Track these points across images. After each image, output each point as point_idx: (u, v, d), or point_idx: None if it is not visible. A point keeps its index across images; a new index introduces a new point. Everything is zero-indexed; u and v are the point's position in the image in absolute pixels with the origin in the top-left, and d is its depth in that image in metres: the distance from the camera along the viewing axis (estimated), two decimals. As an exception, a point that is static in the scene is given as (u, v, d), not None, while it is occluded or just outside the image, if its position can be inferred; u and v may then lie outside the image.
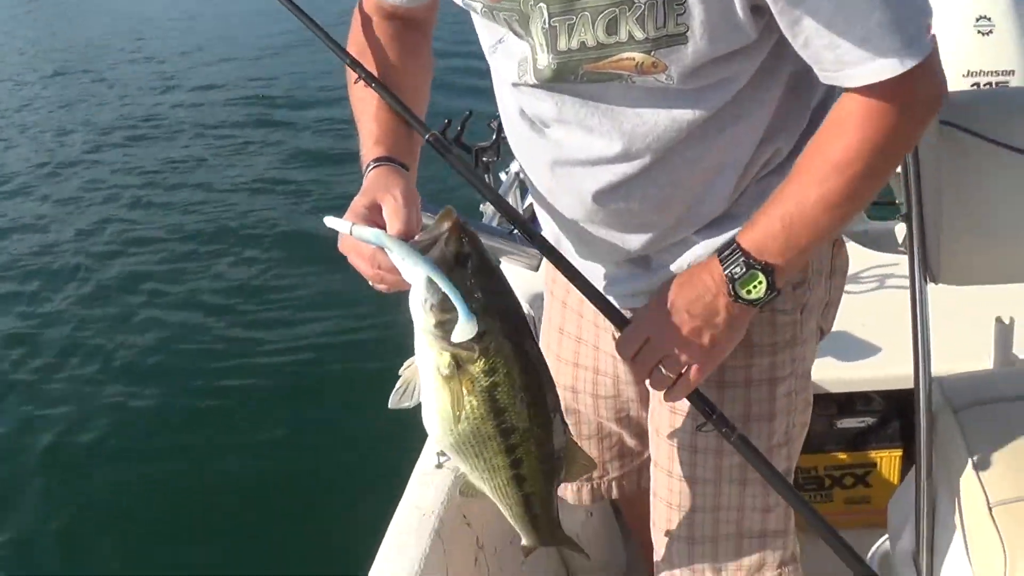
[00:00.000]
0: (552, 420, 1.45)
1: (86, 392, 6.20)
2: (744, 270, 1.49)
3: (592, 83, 1.55)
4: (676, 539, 1.95)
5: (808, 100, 1.69)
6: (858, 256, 3.65)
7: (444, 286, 1.26)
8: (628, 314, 1.77)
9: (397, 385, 1.41)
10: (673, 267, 1.74)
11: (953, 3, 4.23)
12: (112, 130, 11.90)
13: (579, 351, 2.13)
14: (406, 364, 1.42)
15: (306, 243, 7.65)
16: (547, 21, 1.48)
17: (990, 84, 4.13)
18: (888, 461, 3.13)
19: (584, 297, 1.62)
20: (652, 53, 1.45)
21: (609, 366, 2.09)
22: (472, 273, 1.32)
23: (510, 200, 3.15)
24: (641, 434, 2.16)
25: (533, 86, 1.62)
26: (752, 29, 1.44)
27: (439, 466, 2.36)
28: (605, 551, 2.94)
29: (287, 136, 11.10)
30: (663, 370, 1.55)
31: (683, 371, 1.54)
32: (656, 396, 1.88)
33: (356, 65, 1.71)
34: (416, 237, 1.37)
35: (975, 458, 1.93)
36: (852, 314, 3.22)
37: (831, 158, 1.47)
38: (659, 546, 2.02)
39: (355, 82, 1.72)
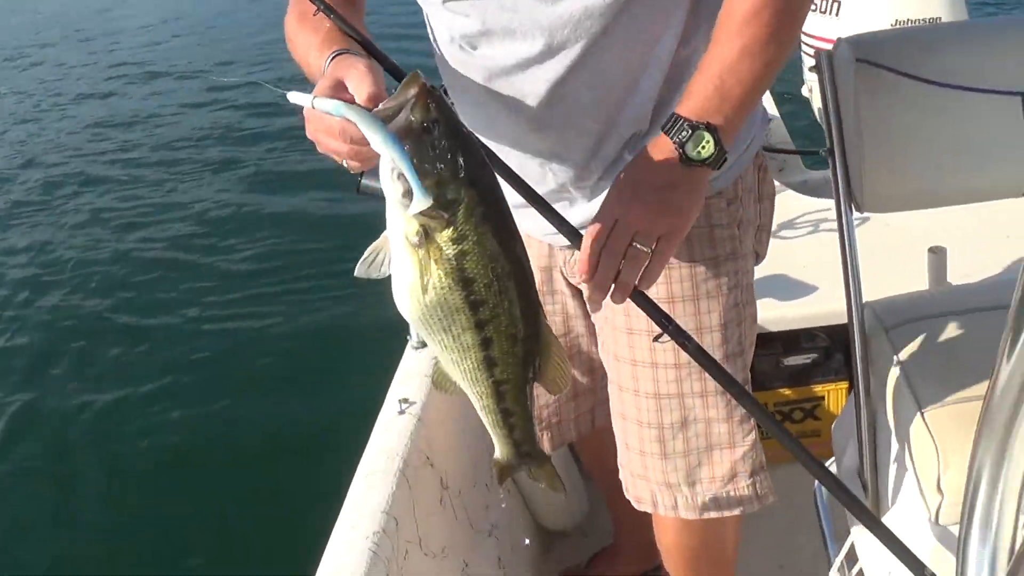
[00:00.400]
0: (526, 299, 1.40)
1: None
2: (690, 132, 1.52)
3: None
4: (649, 456, 2.06)
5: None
6: (796, 204, 3.82)
7: (396, 156, 1.24)
8: (566, 251, 1.91)
9: (365, 254, 1.38)
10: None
11: (878, -51, 4.36)
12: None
13: None
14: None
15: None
16: None
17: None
18: (834, 393, 3.27)
19: (528, 234, 1.75)
20: None
21: (558, 303, 2.20)
22: (439, 140, 1.28)
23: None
24: (592, 370, 2.26)
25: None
26: None
27: (416, 347, 2.48)
28: (569, 497, 3.05)
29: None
30: (638, 246, 1.50)
31: (655, 246, 1.52)
32: (609, 323, 2.01)
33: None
34: (381, 105, 1.33)
35: (907, 371, 2.05)
36: (791, 257, 3.38)
37: (742, 11, 1.57)
38: (633, 465, 2.12)
39: (312, 14, 1.67)
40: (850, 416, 2.27)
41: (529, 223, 1.79)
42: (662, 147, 1.55)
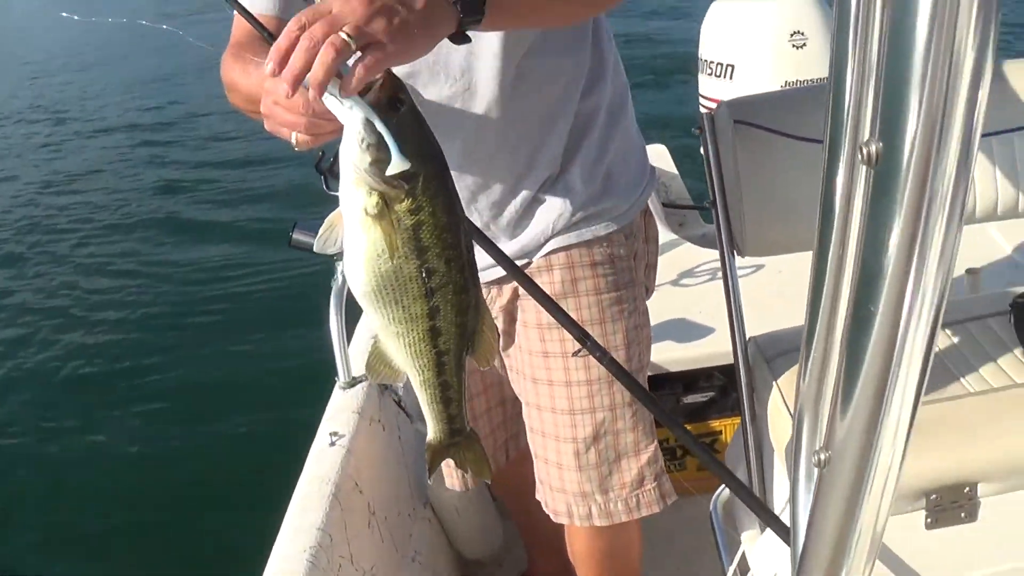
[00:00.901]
0: (470, 270, 1.46)
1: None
2: None
3: None
4: (566, 469, 2.26)
5: (608, 57, 2.11)
6: (695, 255, 4.09)
7: (379, 126, 1.29)
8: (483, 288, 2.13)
9: (321, 229, 1.42)
10: (524, 235, 2.11)
11: (770, 20, 4.77)
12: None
13: None
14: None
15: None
16: None
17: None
18: (731, 428, 3.48)
19: None
20: None
21: None
22: (404, 117, 1.35)
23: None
24: (504, 403, 2.47)
25: None
26: None
27: (344, 387, 2.69)
28: (485, 528, 3.25)
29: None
30: (342, 35, 1.29)
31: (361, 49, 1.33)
32: (524, 350, 2.22)
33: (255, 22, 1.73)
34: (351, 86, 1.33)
35: (784, 396, 2.29)
36: (689, 304, 3.63)
37: None
38: (551, 479, 2.31)
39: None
40: (740, 440, 2.51)
41: None
42: None
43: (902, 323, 0.74)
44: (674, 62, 11.85)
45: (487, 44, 1.89)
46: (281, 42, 1.29)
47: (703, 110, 4.98)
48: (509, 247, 2.10)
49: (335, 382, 2.76)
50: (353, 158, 1.33)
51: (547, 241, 2.12)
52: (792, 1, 4.84)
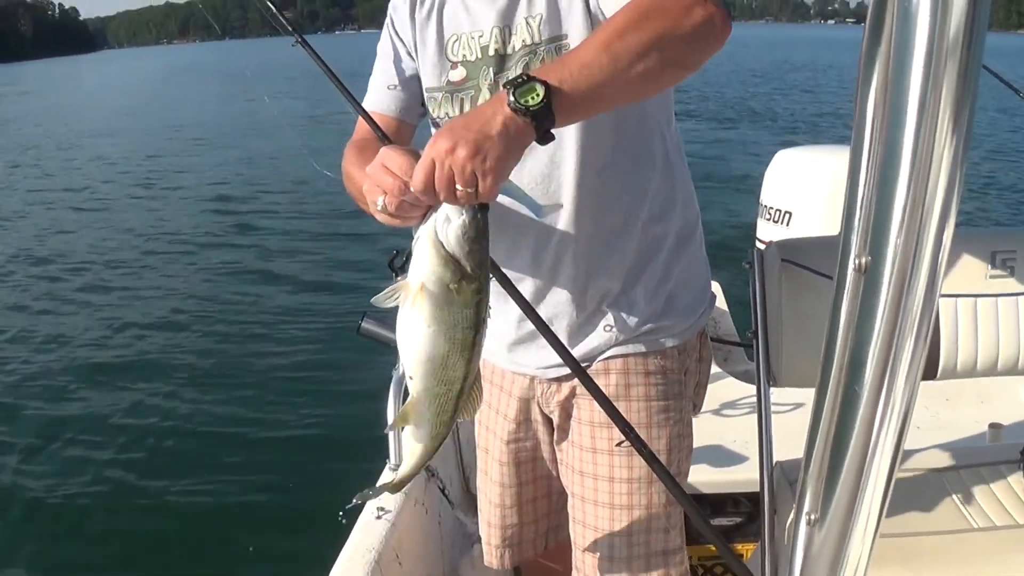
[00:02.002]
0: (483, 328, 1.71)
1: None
2: (524, 81, 1.61)
3: None
4: (601, 559, 2.40)
5: (680, 187, 2.32)
6: (737, 389, 4.26)
7: (511, 190, 1.67)
8: (544, 384, 2.37)
9: (387, 290, 1.64)
10: (585, 344, 2.30)
11: (829, 171, 5.03)
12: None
13: (498, 422, 2.56)
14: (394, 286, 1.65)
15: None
16: (491, 78, 2.13)
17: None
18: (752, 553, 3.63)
19: (516, 370, 2.35)
20: None
21: (532, 431, 2.54)
22: (486, 216, 1.61)
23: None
24: (551, 494, 2.62)
25: None
26: None
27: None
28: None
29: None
30: (459, 187, 1.57)
31: (475, 183, 1.57)
32: (575, 444, 2.39)
33: (364, 113, 2.23)
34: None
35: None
36: (727, 432, 3.80)
37: (610, 22, 1.76)
38: (586, 568, 2.45)
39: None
40: (758, 555, 2.65)
41: (520, 356, 2.34)
42: (497, 95, 1.64)
43: (882, 400, 0.93)
44: (737, 209, 12.10)
45: (567, 154, 2.12)
46: (417, 182, 1.58)
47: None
48: (575, 351, 2.27)
49: (386, 462, 2.94)
50: (454, 244, 1.59)
51: (606, 350, 2.30)
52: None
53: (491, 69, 2.14)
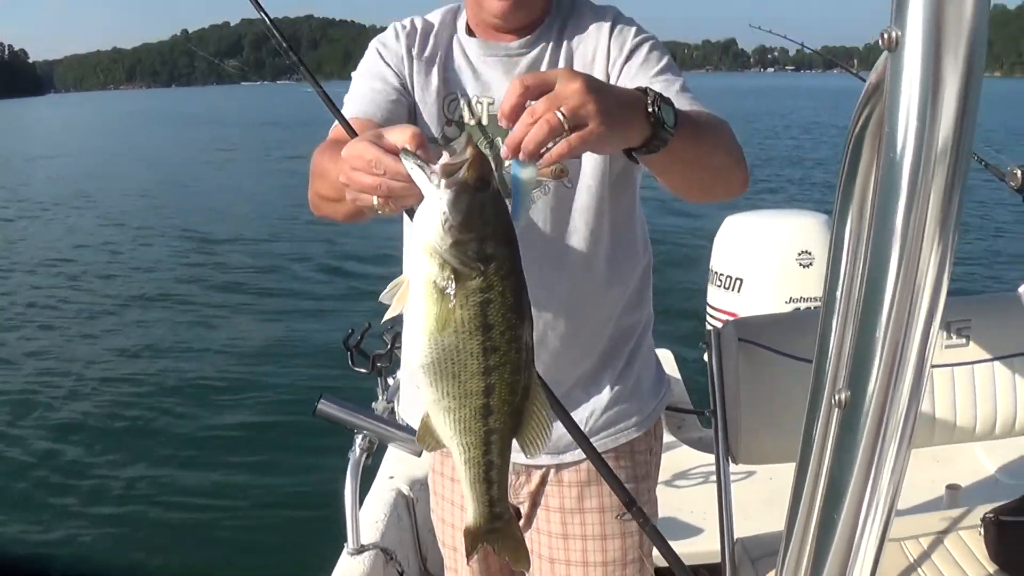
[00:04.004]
0: (528, 354, 1.45)
1: None
2: (665, 99, 1.59)
3: None
4: None
5: (649, 283, 2.36)
6: (690, 458, 4.30)
7: (515, 170, 1.42)
8: (513, 475, 2.35)
9: (389, 286, 1.43)
10: (558, 427, 2.28)
11: (780, 238, 5.05)
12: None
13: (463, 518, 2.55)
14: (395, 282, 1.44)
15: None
16: (500, 145, 2.10)
17: (809, 308, 4.84)
18: (712, 627, 3.64)
19: None
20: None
21: None
22: (488, 200, 1.36)
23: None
24: None
25: None
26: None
27: (352, 553, 2.82)
28: None
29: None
30: (559, 115, 1.40)
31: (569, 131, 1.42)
32: (543, 532, 2.40)
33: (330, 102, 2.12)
34: (441, 161, 1.36)
35: None
36: (681, 504, 3.82)
37: (718, 123, 1.88)
38: None
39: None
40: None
41: None
42: (637, 94, 1.59)
43: (859, 529, 0.96)
44: (686, 270, 12.21)
45: (572, 237, 2.15)
46: (506, 102, 1.41)
47: (709, 320, 5.23)
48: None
49: (343, 547, 2.92)
50: (432, 236, 1.35)
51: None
52: (802, 221, 5.14)
53: (499, 139, 2.13)
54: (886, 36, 0.77)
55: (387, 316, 1.43)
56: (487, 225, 1.36)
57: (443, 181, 1.33)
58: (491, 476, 1.54)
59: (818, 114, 56.48)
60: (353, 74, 2.25)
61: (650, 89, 1.59)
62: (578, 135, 1.40)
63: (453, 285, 1.35)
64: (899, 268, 0.82)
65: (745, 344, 2.68)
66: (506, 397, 1.45)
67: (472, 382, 1.43)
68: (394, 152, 1.38)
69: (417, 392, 1.72)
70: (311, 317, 11.43)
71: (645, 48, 2.10)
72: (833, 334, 1.00)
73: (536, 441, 1.50)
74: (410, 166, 1.35)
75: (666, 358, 5.22)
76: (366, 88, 2.18)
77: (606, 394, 2.31)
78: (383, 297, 1.42)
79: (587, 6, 2.23)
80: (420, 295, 1.38)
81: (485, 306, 1.37)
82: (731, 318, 4.88)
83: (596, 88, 1.42)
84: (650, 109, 1.55)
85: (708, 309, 5.32)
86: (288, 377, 9.30)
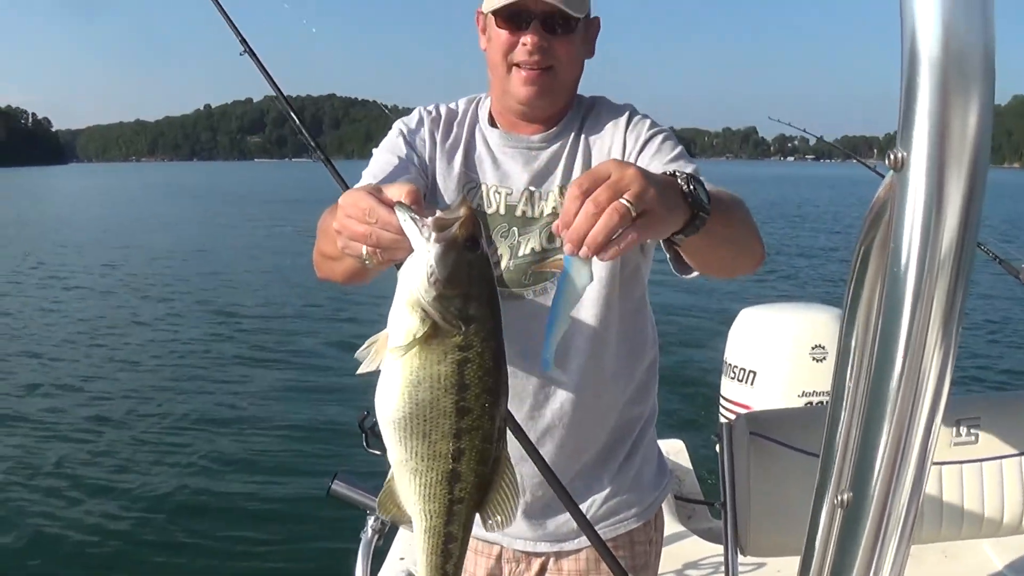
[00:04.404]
0: (500, 423, 1.42)
1: None
2: (696, 180, 1.59)
3: (536, 284, 2.17)
4: None
5: (655, 375, 2.40)
6: (700, 548, 4.29)
7: (565, 310, 1.40)
8: (512, 563, 2.37)
9: (365, 343, 1.40)
10: (559, 518, 2.31)
11: (794, 331, 5.04)
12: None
13: None
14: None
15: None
16: (516, 238, 2.18)
17: (822, 403, 4.82)
18: None
19: (487, 539, 2.33)
20: None
21: None
22: (476, 259, 1.35)
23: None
24: None
25: None
26: (638, 249, 2.20)
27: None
28: None
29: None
30: (624, 202, 1.36)
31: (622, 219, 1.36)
32: None
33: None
34: (431, 219, 1.35)
35: None
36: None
37: (738, 200, 1.88)
38: None
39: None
40: None
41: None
42: (669, 179, 1.59)
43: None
44: (700, 364, 12.16)
45: (578, 335, 2.19)
46: (569, 206, 1.36)
47: (722, 412, 5.24)
48: (548, 526, 2.33)
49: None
50: (418, 287, 1.34)
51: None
52: (816, 315, 5.14)
53: (516, 229, 2.19)
54: (892, 157, 0.81)
55: (362, 370, 1.40)
56: (472, 285, 1.35)
57: (434, 234, 1.33)
58: (450, 549, 1.48)
59: (834, 204, 56.59)
60: (374, 150, 2.31)
61: (679, 172, 1.61)
62: (644, 221, 1.38)
63: (433, 339, 1.34)
64: (902, 373, 0.86)
65: (756, 438, 2.72)
66: (475, 465, 1.41)
67: (442, 443, 1.39)
68: (389, 205, 1.40)
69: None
70: (329, 393, 11.37)
71: (659, 139, 2.15)
72: (838, 435, 1.05)
73: (500, 516, 1.46)
74: (403, 218, 1.36)
75: (677, 448, 5.23)
76: (384, 161, 2.23)
77: (607, 485, 2.33)
78: (359, 354, 1.40)
79: (605, 104, 2.30)
80: (398, 348, 1.36)
81: (462, 365, 1.35)
82: (744, 409, 4.90)
83: (648, 174, 1.42)
84: (685, 189, 1.56)
85: (721, 401, 5.31)
86: (304, 453, 9.24)
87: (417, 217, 1.35)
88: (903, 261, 0.83)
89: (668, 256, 1.97)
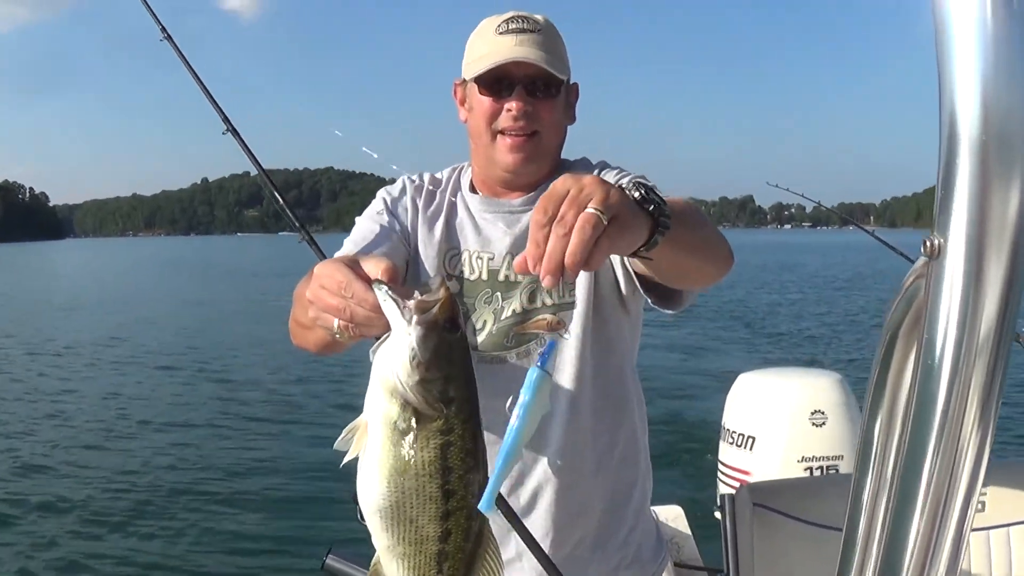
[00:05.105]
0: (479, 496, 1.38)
1: None
2: (650, 187, 1.51)
3: (519, 346, 2.15)
4: None
5: (642, 438, 2.37)
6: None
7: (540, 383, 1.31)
8: None
9: (344, 431, 1.38)
10: None
11: (793, 397, 4.99)
12: None
13: None
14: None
15: None
16: (499, 303, 2.18)
17: (821, 469, 4.79)
18: None
19: None
20: (556, 313, 2.12)
21: None
22: (456, 341, 1.34)
23: None
24: None
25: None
26: (617, 304, 2.18)
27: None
28: None
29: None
30: (593, 210, 1.28)
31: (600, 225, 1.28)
32: None
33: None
34: (412, 301, 1.32)
35: None
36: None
37: (695, 206, 1.82)
38: None
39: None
40: None
41: None
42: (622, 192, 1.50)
43: None
44: (698, 428, 12.09)
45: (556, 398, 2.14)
46: (536, 236, 1.29)
47: (721, 477, 5.17)
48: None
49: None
50: (398, 371, 1.32)
51: None
52: (816, 381, 5.11)
53: (499, 294, 2.18)
54: (929, 244, 0.78)
55: (345, 460, 1.38)
56: (453, 366, 1.34)
57: (415, 317, 1.31)
58: None
59: (829, 269, 56.88)
60: (357, 219, 2.30)
61: (628, 182, 1.53)
62: (616, 225, 1.32)
63: (415, 426, 1.33)
64: (934, 464, 0.82)
65: (760, 509, 2.66)
66: (461, 543, 1.41)
67: (429, 527, 1.38)
68: (367, 280, 1.36)
69: None
70: (323, 461, 11.27)
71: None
72: (859, 523, 0.99)
73: None
74: (383, 297, 1.33)
75: (676, 514, 5.14)
76: (366, 229, 2.23)
77: (611, 557, 2.28)
78: (338, 444, 1.38)
79: (583, 163, 2.31)
80: (379, 436, 1.34)
81: (445, 448, 1.35)
82: (743, 475, 4.85)
83: (605, 180, 1.36)
84: (635, 195, 1.48)
85: (720, 466, 5.26)
86: (298, 525, 9.12)
87: (397, 297, 1.33)
88: (937, 352, 0.79)
89: (649, 299, 2.00)
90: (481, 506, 1.32)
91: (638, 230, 1.45)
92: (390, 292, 1.33)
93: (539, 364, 1.33)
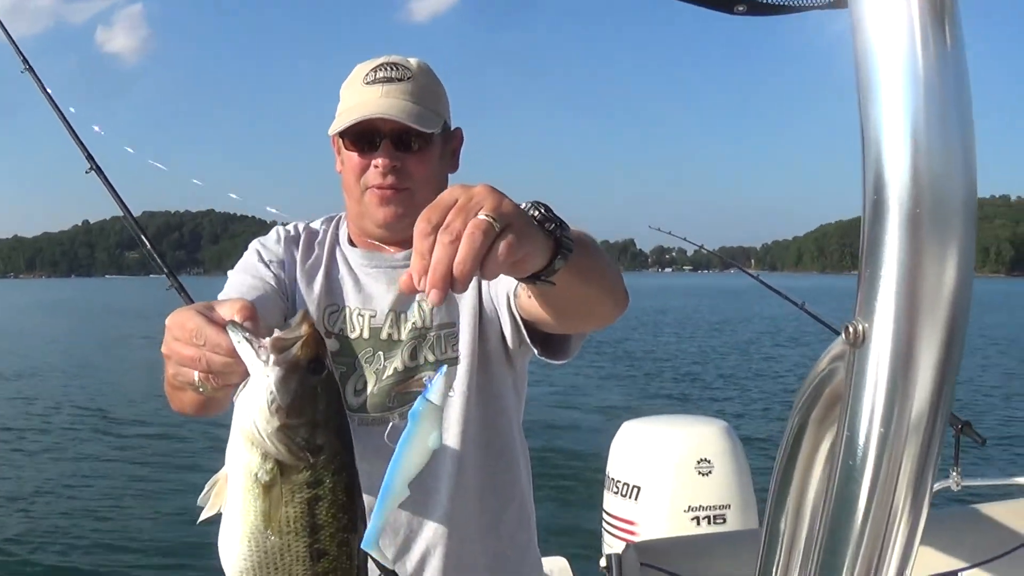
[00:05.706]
0: (361, 560, 1.30)
1: None
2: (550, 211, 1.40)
3: (401, 406, 2.04)
4: None
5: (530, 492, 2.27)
6: None
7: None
8: None
9: (206, 486, 1.26)
10: None
11: (678, 445, 4.92)
12: None
13: None
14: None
15: None
16: (382, 363, 2.07)
17: (708, 518, 4.74)
18: None
19: None
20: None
21: None
22: (323, 382, 1.24)
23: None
24: None
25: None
26: (503, 360, 2.10)
27: None
28: None
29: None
30: (484, 216, 1.17)
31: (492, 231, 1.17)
32: None
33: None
34: (268, 339, 1.22)
35: None
36: None
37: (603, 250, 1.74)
38: None
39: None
40: None
41: None
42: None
43: None
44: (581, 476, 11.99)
45: (443, 455, 2.04)
46: (420, 246, 1.16)
47: (605, 528, 5.08)
48: None
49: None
50: (257, 418, 1.21)
51: None
52: (701, 429, 5.06)
53: (381, 353, 2.08)
54: (851, 329, 0.68)
55: (202, 517, 1.27)
56: (319, 411, 1.23)
57: (272, 357, 1.20)
58: None
59: (715, 314, 57.75)
60: (230, 272, 2.18)
61: (526, 204, 1.40)
62: (511, 235, 1.19)
63: (279, 477, 1.21)
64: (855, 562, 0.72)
65: (647, 569, 2.57)
66: None
67: None
68: (221, 324, 1.24)
69: None
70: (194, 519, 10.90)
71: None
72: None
73: None
74: (237, 339, 1.20)
75: (561, 566, 5.05)
76: (239, 282, 2.11)
77: None
78: (201, 499, 1.27)
79: None
80: (239, 490, 1.23)
81: (313, 503, 1.23)
82: (629, 526, 4.77)
83: (499, 190, 1.25)
84: (534, 213, 1.37)
85: (604, 516, 5.16)
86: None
87: (252, 337, 1.21)
88: (860, 453, 0.69)
89: (536, 351, 1.93)
90: (363, 543, 1.20)
91: (537, 246, 1.32)
92: (245, 332, 1.21)
93: (423, 394, 1.19)
